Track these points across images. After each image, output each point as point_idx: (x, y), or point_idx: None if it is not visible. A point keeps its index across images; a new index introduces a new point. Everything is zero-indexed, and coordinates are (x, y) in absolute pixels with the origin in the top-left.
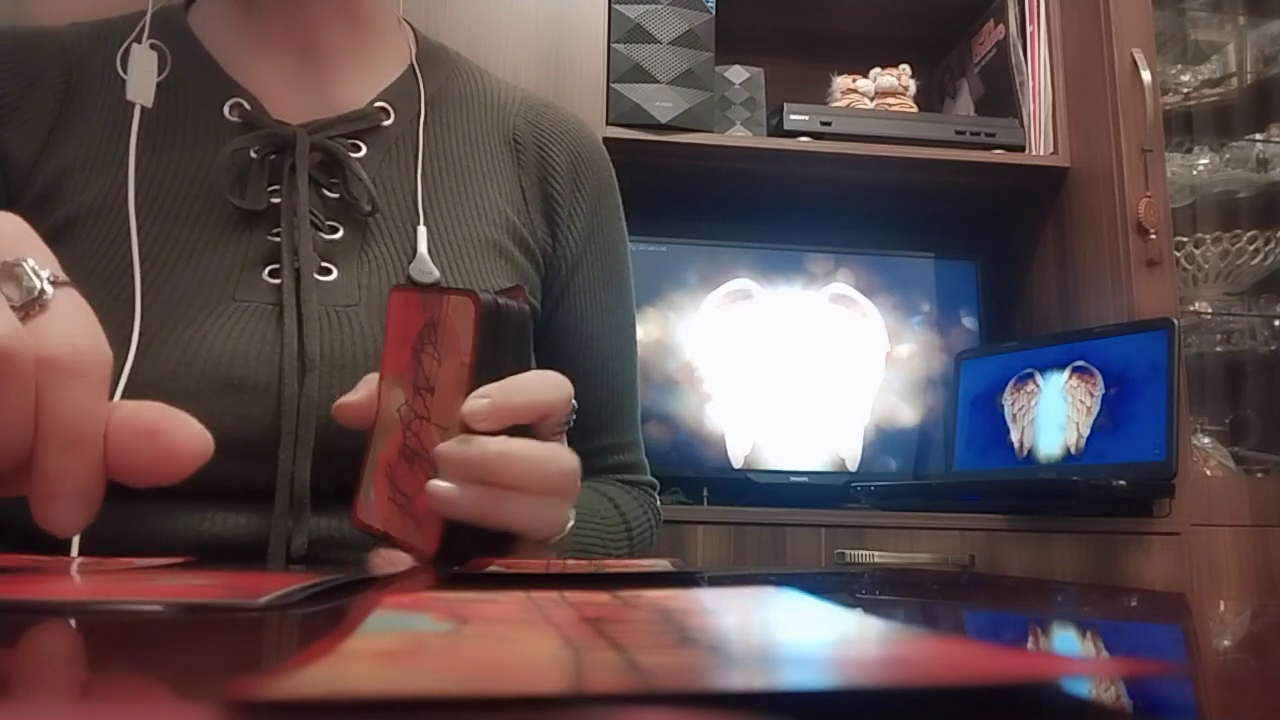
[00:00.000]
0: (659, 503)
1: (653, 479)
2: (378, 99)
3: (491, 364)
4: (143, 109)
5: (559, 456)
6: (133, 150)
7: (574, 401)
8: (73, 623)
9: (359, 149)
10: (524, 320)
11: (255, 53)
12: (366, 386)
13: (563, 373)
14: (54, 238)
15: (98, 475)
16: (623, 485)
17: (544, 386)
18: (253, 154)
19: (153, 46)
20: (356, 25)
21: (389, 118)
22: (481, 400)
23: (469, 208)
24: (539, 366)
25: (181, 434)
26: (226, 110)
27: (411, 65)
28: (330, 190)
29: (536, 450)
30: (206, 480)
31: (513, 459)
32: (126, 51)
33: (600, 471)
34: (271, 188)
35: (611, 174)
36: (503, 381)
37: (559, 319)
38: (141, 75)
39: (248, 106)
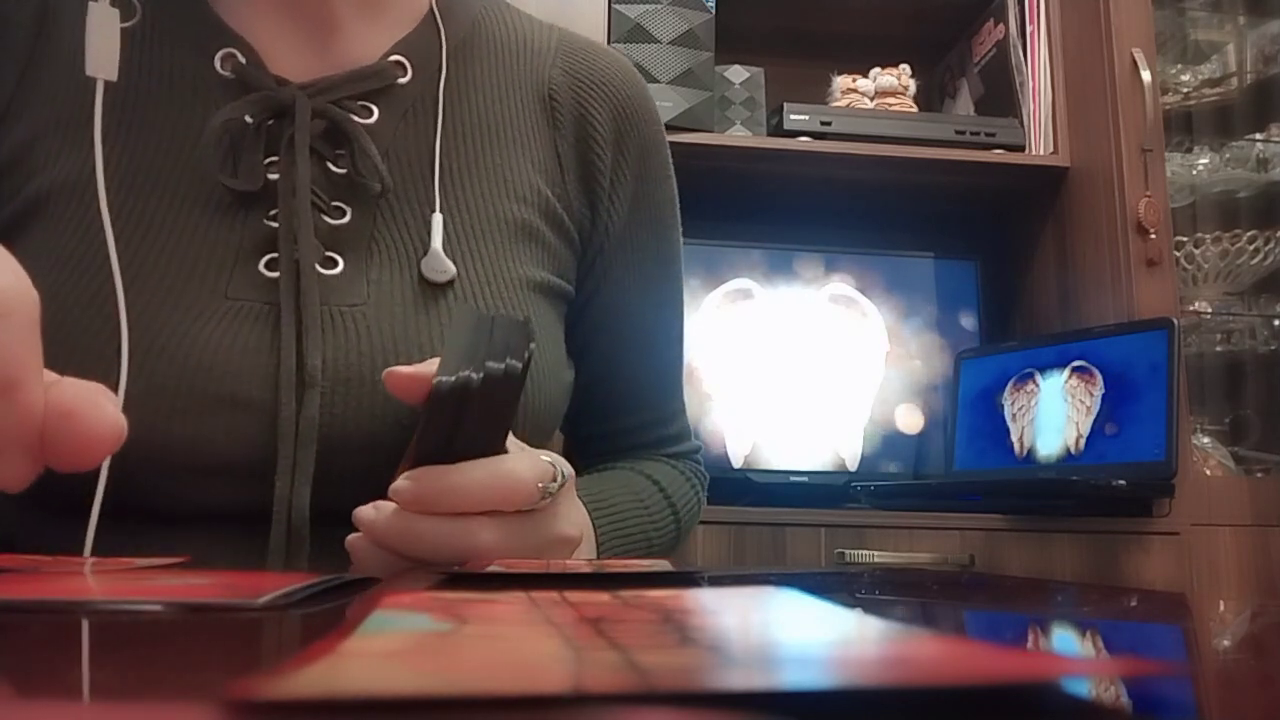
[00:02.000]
0: (703, 465)
1: (696, 443)
2: (392, 52)
3: (442, 443)
4: (108, 81)
5: (472, 542)
6: (98, 132)
7: (547, 484)
8: (73, 622)
9: (370, 112)
10: (497, 393)
11: None
12: (428, 365)
13: (604, 352)
14: (24, 218)
15: (37, 423)
16: (666, 460)
17: (487, 480)
18: (247, 120)
19: (114, 2)
20: None
21: (405, 74)
22: (407, 484)
23: (494, 182)
24: (579, 343)
25: (94, 418)
26: (218, 63)
27: (431, 11)
28: (336, 165)
29: (447, 532)
30: (200, 504)
31: (412, 538)
32: None
33: (645, 446)
34: (269, 160)
35: (659, 127)
36: (443, 469)
37: (600, 298)
38: (104, 42)
39: (242, 59)
